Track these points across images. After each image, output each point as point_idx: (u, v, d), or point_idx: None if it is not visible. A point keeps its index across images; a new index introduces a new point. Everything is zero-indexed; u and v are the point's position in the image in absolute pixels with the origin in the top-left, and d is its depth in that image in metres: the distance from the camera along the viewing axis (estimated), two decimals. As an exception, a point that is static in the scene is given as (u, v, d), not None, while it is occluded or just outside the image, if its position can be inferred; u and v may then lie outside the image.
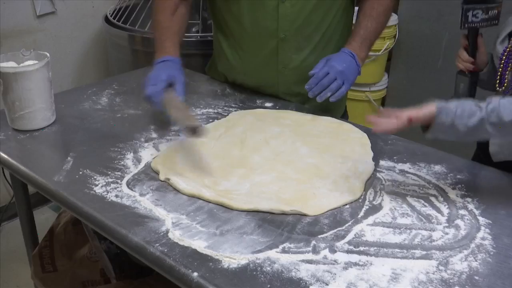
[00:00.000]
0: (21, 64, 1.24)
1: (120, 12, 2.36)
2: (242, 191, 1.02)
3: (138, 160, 1.14)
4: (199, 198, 1.01)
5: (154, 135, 1.25)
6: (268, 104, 1.42)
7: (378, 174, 1.10)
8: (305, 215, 0.97)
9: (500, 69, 1.16)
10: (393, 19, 2.46)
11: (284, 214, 0.97)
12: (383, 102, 2.72)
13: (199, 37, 2.16)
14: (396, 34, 2.49)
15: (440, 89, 2.37)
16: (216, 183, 1.04)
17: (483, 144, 1.24)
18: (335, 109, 1.42)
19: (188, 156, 1.13)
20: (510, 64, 1.13)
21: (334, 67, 1.25)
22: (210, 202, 1.00)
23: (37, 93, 1.23)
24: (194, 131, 1.09)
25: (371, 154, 1.18)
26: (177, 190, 1.03)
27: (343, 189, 1.04)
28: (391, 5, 1.38)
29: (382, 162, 1.15)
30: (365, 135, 1.26)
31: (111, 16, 2.37)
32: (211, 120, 1.32)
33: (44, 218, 2.24)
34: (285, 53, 1.37)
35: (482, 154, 1.23)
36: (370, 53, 2.43)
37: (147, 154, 1.16)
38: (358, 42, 1.33)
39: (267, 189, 1.03)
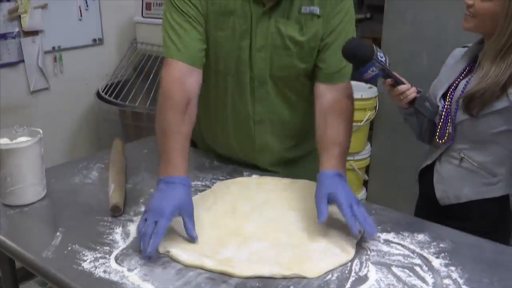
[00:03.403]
0: (14, 141, 1.27)
1: (112, 87, 2.45)
2: (241, 258, 1.04)
3: (126, 234, 1.15)
4: (200, 269, 1.02)
5: (143, 208, 1.26)
6: (255, 176, 1.45)
7: (363, 244, 1.12)
8: (304, 277, 0.99)
9: (440, 124, 1.37)
10: (374, 91, 2.57)
11: (284, 278, 0.99)
12: (367, 170, 2.77)
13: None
14: (376, 105, 2.60)
15: (422, 155, 2.44)
16: (216, 251, 1.07)
17: (425, 191, 1.41)
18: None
19: (183, 228, 1.15)
20: (449, 120, 1.34)
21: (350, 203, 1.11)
22: (212, 272, 1.01)
23: (29, 169, 1.25)
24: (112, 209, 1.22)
25: None
26: (177, 262, 1.04)
27: (336, 251, 1.07)
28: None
29: (366, 232, 1.17)
30: None
31: (102, 92, 2.45)
32: (199, 193, 1.35)
33: (29, 293, 2.17)
34: (262, 136, 1.43)
35: (424, 202, 1.39)
36: (353, 124, 2.53)
37: (136, 228, 1.17)
38: (339, 159, 1.25)
39: (266, 255, 1.06)
